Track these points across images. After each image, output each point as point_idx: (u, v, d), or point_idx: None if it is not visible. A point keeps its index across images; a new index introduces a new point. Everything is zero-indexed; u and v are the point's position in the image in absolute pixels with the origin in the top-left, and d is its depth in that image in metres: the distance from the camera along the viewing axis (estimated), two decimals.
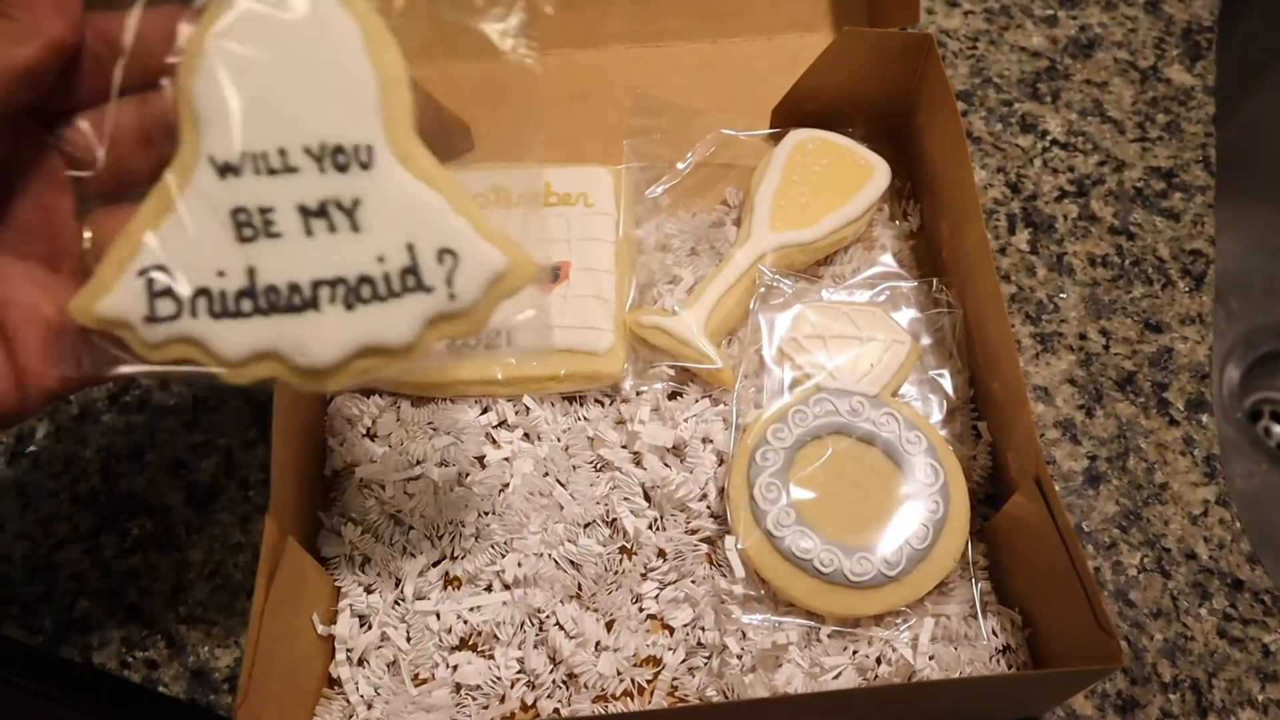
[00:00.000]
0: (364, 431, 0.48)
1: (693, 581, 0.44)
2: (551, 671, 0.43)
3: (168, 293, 0.31)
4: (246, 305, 0.32)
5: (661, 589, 0.44)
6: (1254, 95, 0.74)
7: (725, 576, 0.44)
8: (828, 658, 0.42)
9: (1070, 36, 0.61)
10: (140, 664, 0.45)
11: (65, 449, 0.51)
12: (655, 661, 0.43)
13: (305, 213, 0.32)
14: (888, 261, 0.52)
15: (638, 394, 0.48)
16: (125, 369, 0.32)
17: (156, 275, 0.31)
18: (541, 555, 0.45)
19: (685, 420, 0.47)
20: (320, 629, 0.43)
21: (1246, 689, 0.43)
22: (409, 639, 0.43)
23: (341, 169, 0.32)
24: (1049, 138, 0.58)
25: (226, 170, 0.31)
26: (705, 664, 0.43)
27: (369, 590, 0.44)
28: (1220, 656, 0.44)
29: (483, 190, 0.53)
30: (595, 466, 0.47)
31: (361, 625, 0.44)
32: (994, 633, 0.43)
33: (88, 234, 0.33)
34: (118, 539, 0.49)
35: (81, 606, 0.47)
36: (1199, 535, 0.46)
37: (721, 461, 0.47)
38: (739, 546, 0.43)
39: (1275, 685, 0.43)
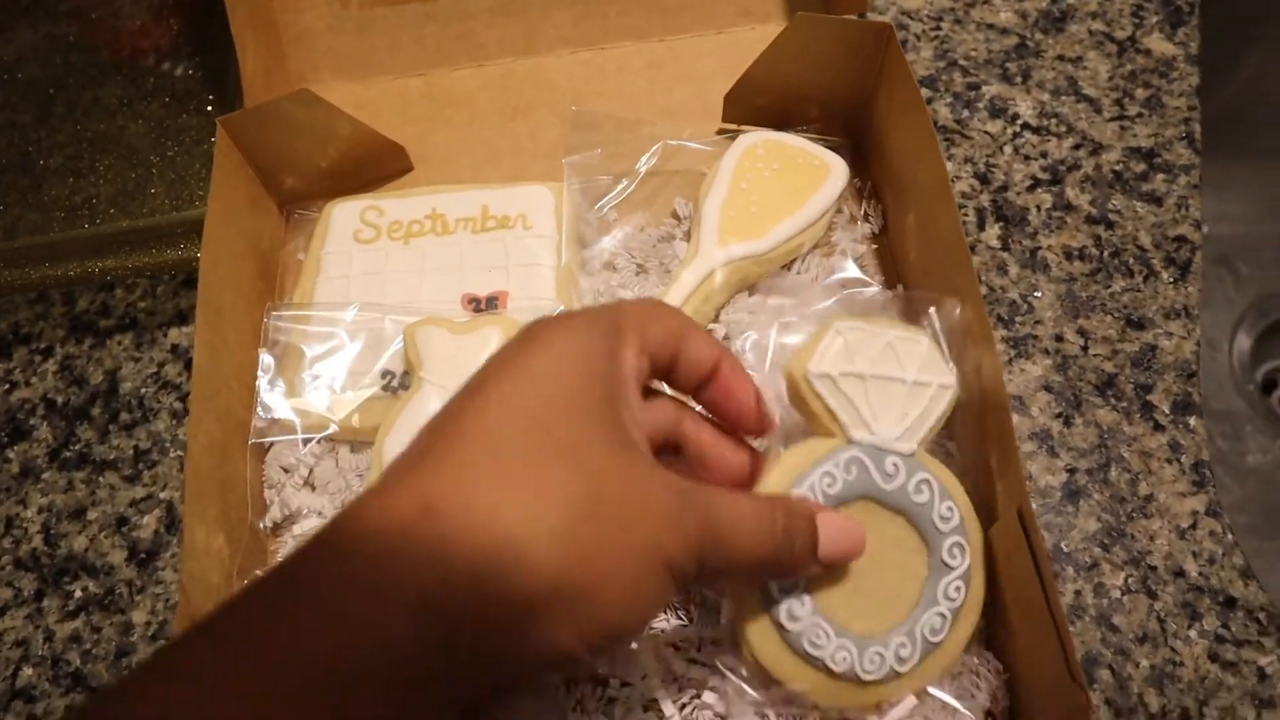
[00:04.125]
0: (302, 481, 0.46)
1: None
2: None
3: None
4: None
5: None
6: (1249, 52, 0.70)
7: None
8: None
9: (1041, 10, 0.58)
10: None
11: (6, 510, 0.49)
12: None
13: None
14: (850, 268, 0.49)
15: None
16: None
17: None
18: None
19: None
20: None
21: (1241, 717, 0.40)
22: None
23: None
24: (1020, 121, 0.54)
25: None
26: None
27: None
28: (1212, 682, 0.41)
29: (418, 216, 0.50)
30: None
31: None
32: (977, 684, 0.40)
33: None
34: (60, 602, 0.47)
35: (25, 675, 0.45)
36: (1187, 550, 0.43)
37: None
38: (748, 648, 0.37)
39: (1272, 711, 0.40)
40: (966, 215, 0.52)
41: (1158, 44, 0.56)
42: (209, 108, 0.58)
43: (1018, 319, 0.49)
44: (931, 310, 0.42)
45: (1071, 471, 0.45)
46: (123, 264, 0.52)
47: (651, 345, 0.32)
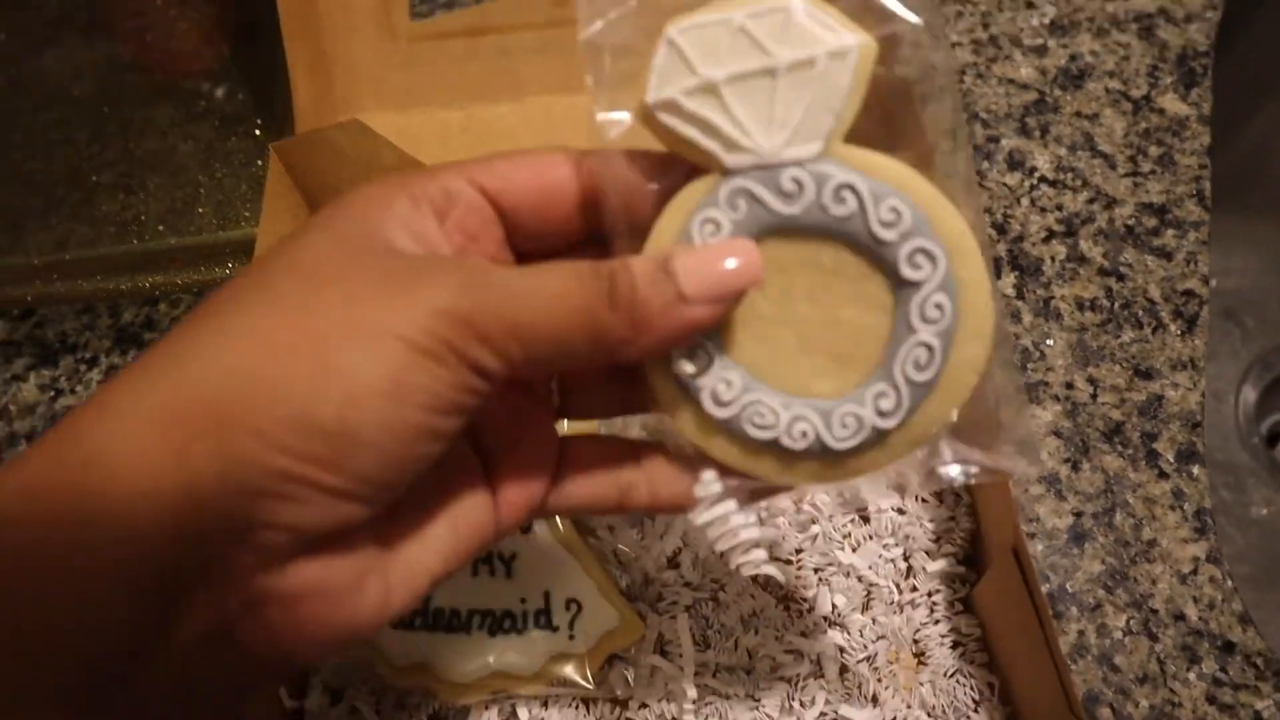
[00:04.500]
0: None
1: None
2: None
3: None
4: (417, 620, 0.42)
5: None
6: (1259, 110, 0.72)
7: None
8: None
9: (1060, 67, 0.60)
10: None
11: None
12: None
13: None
14: None
15: None
16: None
17: None
18: None
19: None
20: (288, 701, 0.43)
21: None
22: (378, 713, 0.43)
23: None
24: (1037, 175, 0.56)
25: None
26: None
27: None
28: None
29: None
30: None
31: (334, 701, 0.44)
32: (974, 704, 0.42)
33: None
34: None
35: None
36: (1188, 595, 0.45)
37: None
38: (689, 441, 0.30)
39: None
40: None
41: (1171, 104, 0.58)
42: (256, 132, 0.60)
43: (1030, 365, 0.51)
44: None
45: (1078, 515, 0.47)
46: (171, 280, 0.54)
47: (496, 184, 0.28)
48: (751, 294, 0.27)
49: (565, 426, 0.38)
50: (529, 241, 0.29)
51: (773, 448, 0.28)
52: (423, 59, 0.58)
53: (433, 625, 0.42)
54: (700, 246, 0.27)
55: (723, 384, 0.28)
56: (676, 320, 0.26)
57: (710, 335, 0.28)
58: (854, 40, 0.26)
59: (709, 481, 0.30)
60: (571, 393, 0.32)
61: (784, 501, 0.46)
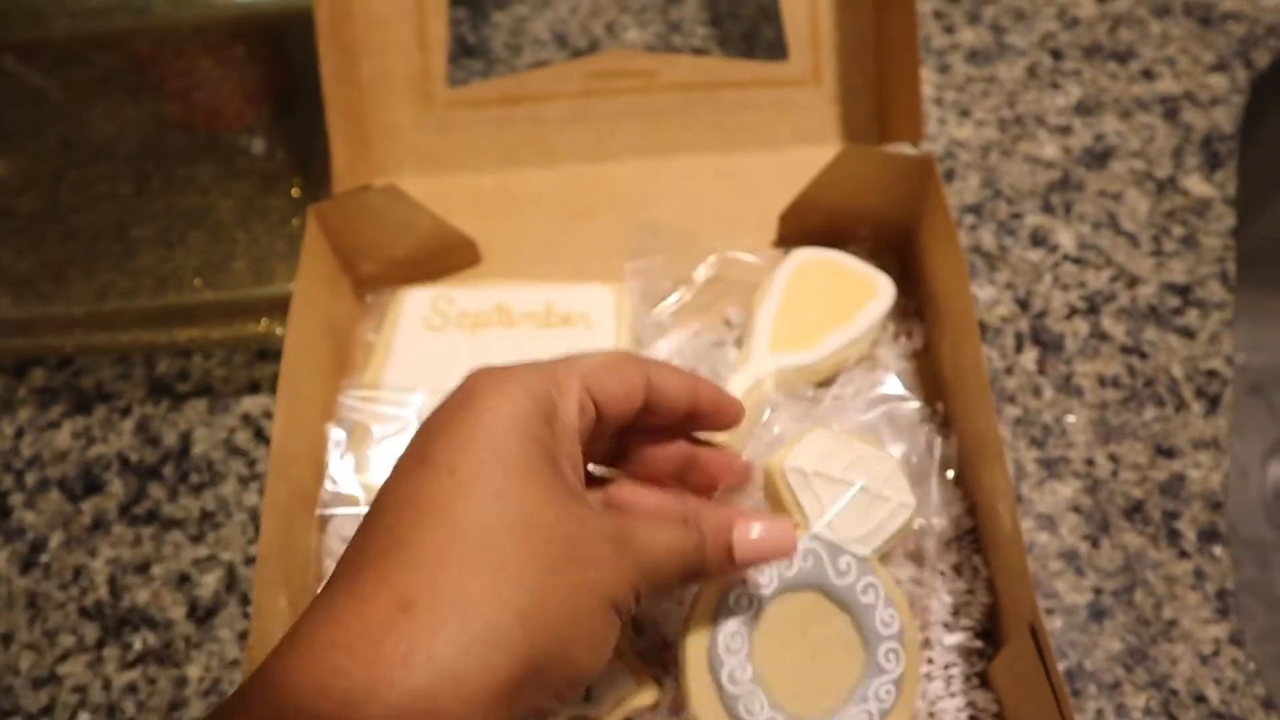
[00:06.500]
0: None
1: None
2: None
3: None
4: None
5: None
6: None
7: None
8: None
9: (1085, 146, 0.61)
10: None
11: (75, 559, 0.52)
12: None
13: None
14: (893, 383, 0.51)
15: None
16: None
17: None
18: None
19: None
20: None
21: None
22: None
23: None
24: (1060, 252, 0.57)
25: None
26: None
27: None
28: None
29: (486, 308, 0.54)
30: None
31: None
32: None
33: None
34: (120, 652, 0.49)
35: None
36: (1209, 676, 0.45)
37: None
38: (690, 701, 0.39)
39: None
40: (1005, 339, 0.54)
41: (1196, 185, 0.59)
42: (293, 191, 0.62)
43: (1050, 440, 0.51)
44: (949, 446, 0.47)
45: (1097, 592, 0.47)
46: (205, 334, 0.55)
47: (602, 396, 0.35)
48: (780, 623, 0.40)
49: None
50: (603, 426, 0.37)
51: None
52: (458, 125, 0.60)
53: None
54: (760, 524, 0.36)
55: (740, 669, 0.38)
56: (732, 568, 0.36)
57: (751, 630, 0.39)
58: (914, 502, 0.42)
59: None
60: None
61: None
